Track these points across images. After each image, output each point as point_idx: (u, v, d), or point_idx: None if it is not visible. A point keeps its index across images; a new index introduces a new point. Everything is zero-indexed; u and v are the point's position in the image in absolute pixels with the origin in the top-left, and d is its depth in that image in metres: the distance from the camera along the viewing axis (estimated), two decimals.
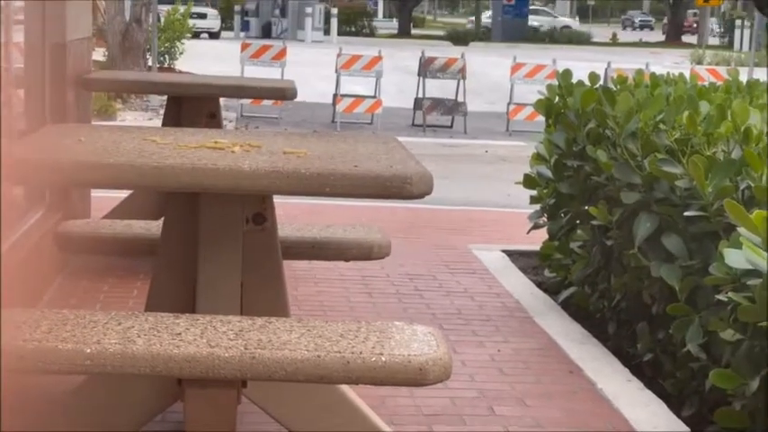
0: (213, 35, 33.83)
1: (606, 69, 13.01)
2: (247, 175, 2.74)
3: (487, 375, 4.11)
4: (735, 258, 3.15)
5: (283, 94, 5.80)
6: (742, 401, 3.29)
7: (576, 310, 5.08)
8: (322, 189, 2.78)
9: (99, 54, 14.28)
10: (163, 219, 3.32)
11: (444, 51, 20.05)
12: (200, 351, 2.47)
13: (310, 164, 2.84)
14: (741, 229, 3.12)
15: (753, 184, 3.40)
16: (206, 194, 3.01)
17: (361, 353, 2.54)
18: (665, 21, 52.92)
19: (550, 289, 5.48)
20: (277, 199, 3.29)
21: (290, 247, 3.84)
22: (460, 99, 13.81)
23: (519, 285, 5.53)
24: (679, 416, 3.77)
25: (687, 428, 3.64)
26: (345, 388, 3.11)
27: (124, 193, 5.42)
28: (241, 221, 3.10)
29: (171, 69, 16.60)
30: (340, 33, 35.59)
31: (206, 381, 2.60)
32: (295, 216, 6.27)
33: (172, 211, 3.22)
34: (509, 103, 13.89)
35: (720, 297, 3.37)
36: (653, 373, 4.28)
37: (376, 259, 4.08)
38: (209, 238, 3.06)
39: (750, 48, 18.71)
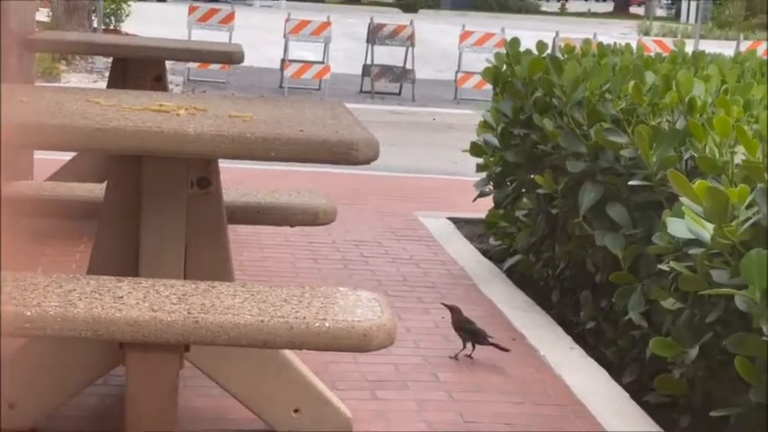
0: None
1: (554, 39, 13.04)
2: (192, 139, 2.71)
3: (432, 342, 4.13)
4: (677, 228, 3.18)
5: (230, 58, 5.76)
6: (681, 369, 3.33)
7: (521, 278, 5.12)
8: (267, 153, 2.77)
9: (43, 15, 14.07)
10: (106, 182, 3.29)
11: (393, 18, 20.00)
12: (143, 315, 2.46)
13: (256, 128, 2.82)
14: (684, 199, 3.15)
15: (696, 155, 3.43)
16: (150, 158, 2.98)
17: (304, 318, 2.54)
18: None
19: (495, 257, 5.50)
20: (222, 164, 3.26)
21: (235, 212, 3.82)
22: (409, 66, 13.79)
23: (464, 253, 5.55)
24: (620, 383, 3.81)
25: (627, 395, 3.68)
26: (289, 353, 3.11)
27: (68, 156, 5.36)
28: (185, 185, 3.08)
29: (117, 31, 16.41)
30: None
31: (148, 345, 2.58)
32: (240, 181, 6.23)
33: (115, 173, 3.18)
34: (457, 71, 13.88)
35: (662, 266, 3.40)
36: (595, 341, 4.32)
37: (321, 225, 4.07)
38: (153, 202, 3.03)
39: (696, 20, 18.86)
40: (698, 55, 5.43)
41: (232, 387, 3.10)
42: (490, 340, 3.94)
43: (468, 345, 3.93)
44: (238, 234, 5.40)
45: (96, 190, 3.98)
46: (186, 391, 3.36)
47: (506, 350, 3.93)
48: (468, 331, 3.95)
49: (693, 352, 3.23)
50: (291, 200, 4.06)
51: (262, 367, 3.07)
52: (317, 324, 2.53)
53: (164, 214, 3.04)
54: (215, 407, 3.31)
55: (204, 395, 3.36)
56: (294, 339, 2.53)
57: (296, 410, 3.13)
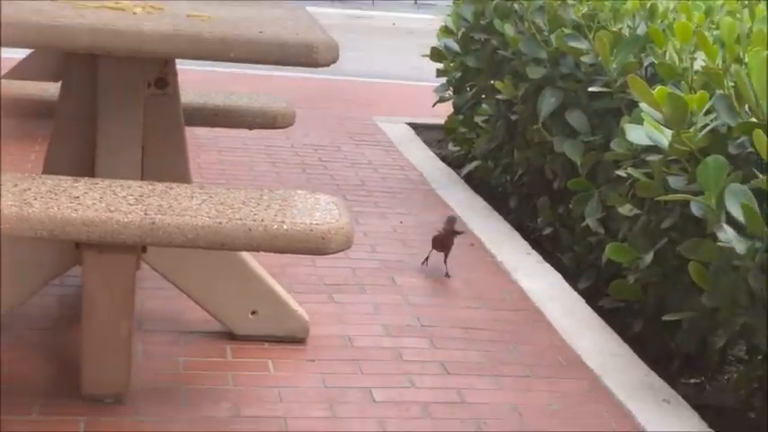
0: None
1: None
2: (148, 38, 2.66)
3: (389, 246, 4.14)
4: (636, 134, 3.18)
5: None
6: (636, 275, 3.37)
7: (479, 184, 5.13)
8: (226, 54, 2.72)
9: None
10: (61, 81, 3.24)
11: None
12: (99, 215, 2.43)
13: (214, 28, 2.78)
14: (643, 105, 3.15)
15: (656, 61, 3.43)
16: (105, 57, 2.93)
17: (262, 220, 2.53)
18: None
19: (454, 163, 5.50)
20: (180, 65, 3.22)
21: (193, 114, 3.77)
22: None
23: (423, 158, 5.55)
24: (575, 288, 3.85)
25: (582, 300, 3.72)
26: (246, 256, 3.11)
27: (22, 54, 5.27)
28: (142, 85, 3.04)
29: None
30: None
31: (104, 245, 2.56)
32: (198, 83, 6.16)
33: (70, 73, 3.13)
34: None
35: (620, 172, 3.41)
36: (552, 247, 4.35)
37: (280, 128, 4.04)
38: (109, 102, 2.99)
39: None
40: None
41: (189, 288, 3.10)
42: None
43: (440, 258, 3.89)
44: (196, 137, 5.36)
45: (51, 89, 3.91)
46: (143, 293, 3.36)
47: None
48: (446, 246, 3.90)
49: (648, 257, 3.27)
50: (250, 103, 4.02)
51: (219, 269, 3.07)
52: (275, 226, 2.52)
53: (120, 115, 3.00)
54: (172, 308, 3.32)
55: (161, 297, 3.36)
56: (252, 241, 2.52)
57: (253, 312, 3.14)
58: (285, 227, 2.53)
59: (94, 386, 2.72)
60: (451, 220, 3.96)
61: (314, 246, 2.54)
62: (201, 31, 2.72)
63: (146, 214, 2.47)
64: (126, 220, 2.45)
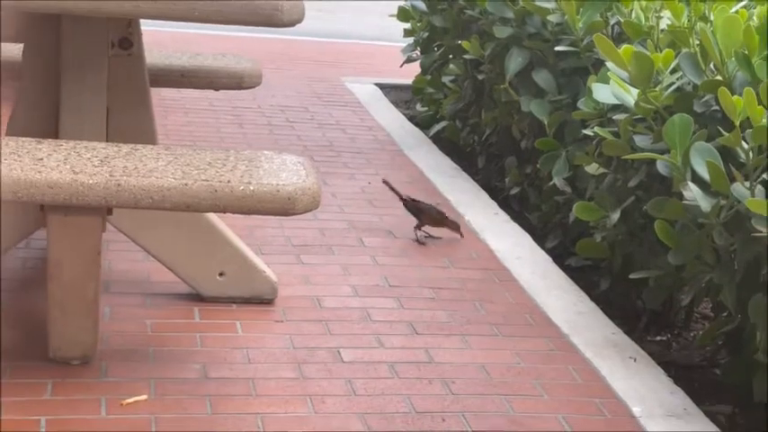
0: None
1: None
2: None
3: (357, 207, 4.14)
4: (602, 93, 3.19)
5: None
6: (603, 233, 3.38)
7: (447, 145, 5.13)
8: (190, 14, 2.69)
9: None
10: (24, 42, 3.20)
11: None
12: (64, 177, 2.41)
13: None
14: (609, 64, 3.15)
15: (622, 20, 3.42)
16: (68, 17, 2.90)
17: (229, 181, 2.52)
18: None
19: (422, 123, 5.50)
20: (145, 26, 3.19)
21: (158, 75, 3.74)
22: None
23: (391, 119, 5.54)
24: (543, 247, 3.86)
25: (550, 259, 3.74)
26: (214, 217, 3.10)
27: None
28: (106, 46, 3.00)
29: None
30: None
31: (69, 208, 2.54)
32: (163, 43, 6.12)
33: (33, 33, 3.09)
34: None
35: (587, 132, 3.42)
36: (520, 207, 4.37)
37: (246, 89, 4.00)
38: (73, 63, 2.95)
39: None
40: None
41: (156, 251, 3.09)
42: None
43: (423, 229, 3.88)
44: (162, 98, 5.33)
45: (15, 50, 3.87)
46: (110, 255, 3.35)
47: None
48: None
49: (615, 216, 3.28)
50: (216, 63, 3.98)
51: (186, 231, 3.06)
52: (242, 187, 2.51)
53: (84, 76, 2.97)
54: (139, 270, 3.31)
55: (129, 259, 3.35)
56: (218, 202, 2.50)
57: (221, 274, 3.13)
58: (252, 188, 2.51)
59: (61, 349, 2.71)
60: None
61: (280, 206, 2.53)
62: None
63: (111, 176, 2.45)
64: (91, 181, 2.43)
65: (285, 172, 2.62)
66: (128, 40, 3.05)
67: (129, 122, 3.08)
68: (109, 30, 3.00)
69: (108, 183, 2.44)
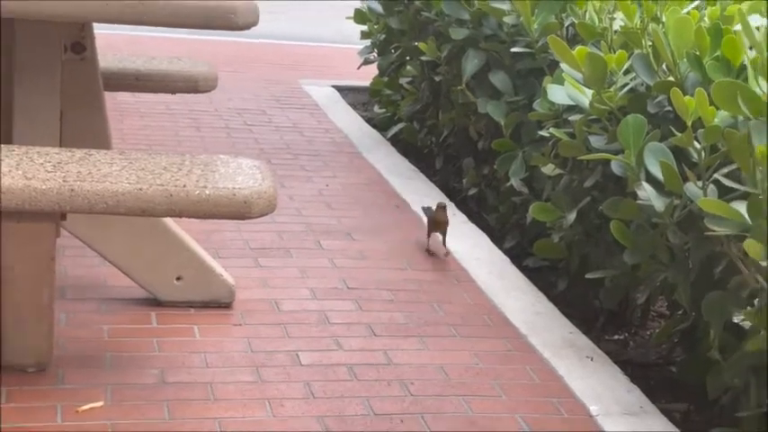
0: None
1: None
2: (63, 1, 2.61)
3: (315, 210, 4.13)
4: (557, 94, 3.20)
5: None
6: (560, 233, 3.40)
7: (405, 146, 5.14)
8: (141, 18, 2.68)
9: None
10: None
11: None
12: (16, 183, 2.39)
13: None
14: (564, 65, 3.17)
15: (576, 21, 3.44)
16: (20, 21, 2.87)
17: (184, 186, 2.50)
18: None
19: (380, 125, 5.50)
20: (99, 29, 3.17)
21: (113, 79, 3.72)
22: None
23: (348, 121, 5.54)
24: (501, 248, 3.87)
25: (507, 259, 3.75)
26: (170, 222, 3.09)
27: None
28: (59, 50, 2.98)
29: None
30: None
31: (23, 213, 2.52)
32: (118, 47, 6.09)
33: None
34: None
35: (543, 132, 3.44)
36: (477, 208, 4.38)
37: (203, 92, 3.99)
38: (26, 67, 2.93)
39: None
40: None
41: (112, 256, 3.07)
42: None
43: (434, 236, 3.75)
44: (118, 102, 5.30)
45: None
46: (65, 261, 3.33)
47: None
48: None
49: (571, 216, 3.30)
50: (171, 67, 3.97)
51: (142, 235, 3.05)
52: (197, 192, 2.50)
53: (37, 80, 2.94)
54: (95, 276, 3.29)
55: (84, 264, 3.33)
56: (174, 207, 2.49)
57: (178, 278, 3.12)
58: (207, 192, 2.51)
59: (16, 355, 2.69)
60: (441, 206, 3.75)
61: (236, 210, 2.52)
62: None
63: (64, 181, 2.43)
64: (44, 187, 2.41)
65: (241, 176, 2.62)
66: (80, 44, 3.03)
67: (82, 127, 3.06)
68: (61, 34, 2.98)
69: (61, 188, 2.42)
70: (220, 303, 3.17)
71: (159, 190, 2.48)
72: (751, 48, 2.57)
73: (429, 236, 3.76)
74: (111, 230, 3.03)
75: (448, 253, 3.71)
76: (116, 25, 2.84)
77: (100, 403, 2.58)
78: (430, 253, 3.72)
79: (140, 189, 2.47)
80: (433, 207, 3.78)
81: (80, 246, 3.08)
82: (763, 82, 2.43)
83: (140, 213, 2.50)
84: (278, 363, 2.87)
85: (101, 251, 3.06)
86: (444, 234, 3.73)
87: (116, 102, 5.26)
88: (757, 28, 2.55)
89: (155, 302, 3.13)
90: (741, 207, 2.41)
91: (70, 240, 3.07)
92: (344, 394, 2.73)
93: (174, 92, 3.96)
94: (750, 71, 2.45)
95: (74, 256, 3.34)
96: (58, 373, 2.70)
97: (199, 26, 2.74)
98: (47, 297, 2.66)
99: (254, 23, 2.82)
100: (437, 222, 3.73)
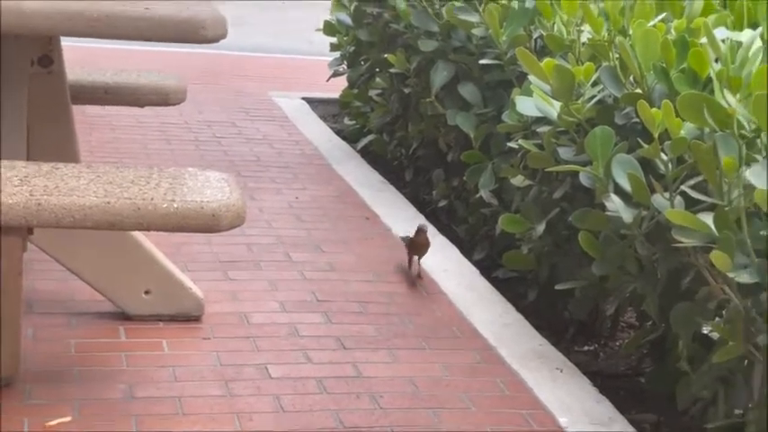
0: None
1: None
2: (29, 15, 2.60)
3: (285, 222, 4.13)
4: (526, 106, 3.21)
5: None
6: (529, 245, 3.41)
7: (375, 158, 5.14)
8: (110, 31, 2.68)
9: None
10: None
11: None
12: None
13: (98, 5, 2.73)
14: (532, 77, 3.18)
15: (545, 33, 3.46)
16: None
17: (152, 199, 2.50)
18: None
19: (349, 137, 5.50)
20: (67, 42, 3.16)
21: (81, 92, 3.71)
22: None
23: (318, 133, 5.54)
24: (470, 260, 3.88)
25: (477, 271, 3.76)
26: (139, 235, 3.07)
27: None
28: (26, 63, 2.97)
29: None
30: None
31: None
32: (86, 60, 6.06)
33: None
34: None
35: (512, 144, 3.45)
36: (447, 219, 4.39)
37: (172, 105, 3.98)
38: None
39: None
40: None
41: (80, 270, 3.06)
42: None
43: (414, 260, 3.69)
44: (87, 115, 5.28)
45: None
46: (33, 275, 3.30)
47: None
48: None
49: (540, 227, 3.31)
50: (140, 80, 3.96)
51: (110, 249, 3.03)
52: (165, 205, 2.49)
53: (3, 94, 2.93)
54: (63, 290, 3.26)
55: (52, 278, 3.31)
56: (142, 220, 2.49)
57: (146, 292, 3.11)
58: (175, 205, 2.50)
59: None
60: (422, 229, 3.67)
61: (204, 223, 2.52)
62: (85, 9, 2.67)
63: (31, 195, 2.42)
64: (11, 201, 2.40)
65: (209, 189, 2.61)
66: (48, 57, 3.03)
67: (50, 140, 3.05)
68: (28, 47, 2.97)
69: (28, 202, 2.41)
70: (189, 317, 3.16)
71: (127, 203, 2.47)
72: (717, 60, 2.59)
73: (410, 259, 3.70)
74: (79, 244, 3.01)
75: (421, 277, 3.67)
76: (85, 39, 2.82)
77: (68, 418, 2.56)
78: (418, 277, 3.66)
79: (108, 203, 2.46)
80: (411, 235, 3.71)
81: (48, 260, 3.06)
82: (728, 94, 2.44)
83: (108, 227, 2.49)
84: (247, 376, 2.86)
85: (68, 265, 3.05)
86: (421, 257, 3.69)
87: (86, 114, 5.24)
88: (723, 41, 2.57)
89: (123, 316, 3.11)
90: (708, 218, 2.43)
91: (38, 254, 3.05)
92: (314, 407, 2.72)
93: (143, 105, 3.95)
94: (716, 83, 2.47)
95: (41, 270, 3.32)
96: (26, 389, 2.68)
97: (168, 40, 2.74)
98: (14, 311, 2.64)
99: (223, 36, 2.82)
100: (417, 245, 3.67)
